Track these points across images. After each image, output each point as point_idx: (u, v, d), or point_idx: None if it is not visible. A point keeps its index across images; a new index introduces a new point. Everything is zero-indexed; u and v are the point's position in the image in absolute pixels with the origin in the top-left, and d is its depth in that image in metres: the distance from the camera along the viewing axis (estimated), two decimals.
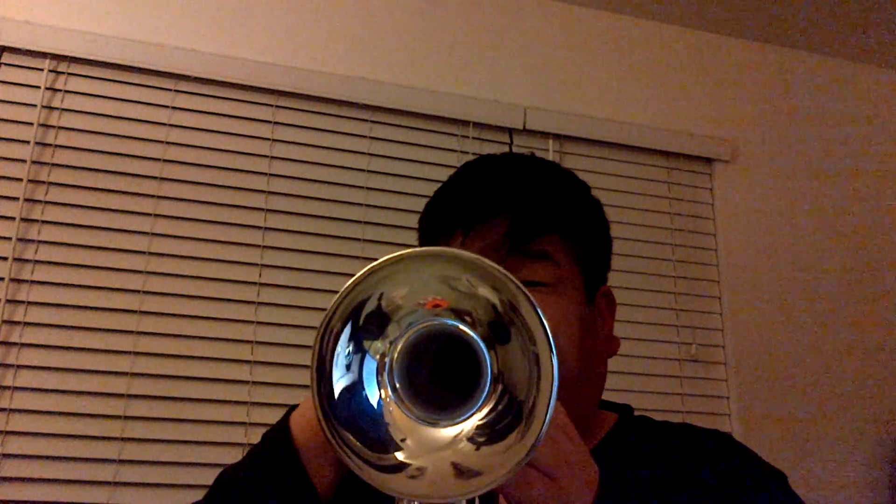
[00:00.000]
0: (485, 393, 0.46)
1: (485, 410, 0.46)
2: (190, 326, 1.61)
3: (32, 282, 1.54)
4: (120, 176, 1.64)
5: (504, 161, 0.79)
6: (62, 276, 1.56)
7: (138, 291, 1.59)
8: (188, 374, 1.58)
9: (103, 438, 1.51)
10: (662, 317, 1.94)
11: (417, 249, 0.47)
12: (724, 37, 2.22)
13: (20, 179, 1.57)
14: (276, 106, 1.78)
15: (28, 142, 1.59)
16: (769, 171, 2.14)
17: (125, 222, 1.62)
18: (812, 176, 2.18)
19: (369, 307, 0.48)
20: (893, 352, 2.09)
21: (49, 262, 1.56)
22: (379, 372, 0.48)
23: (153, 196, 1.65)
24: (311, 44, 1.84)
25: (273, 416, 1.63)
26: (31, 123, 1.60)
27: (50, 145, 1.61)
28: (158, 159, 1.67)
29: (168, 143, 1.68)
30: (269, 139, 1.76)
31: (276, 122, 1.77)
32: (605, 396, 0.79)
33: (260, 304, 1.66)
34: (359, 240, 1.75)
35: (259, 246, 1.69)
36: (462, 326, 0.49)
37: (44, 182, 1.59)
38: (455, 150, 1.88)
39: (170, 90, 1.71)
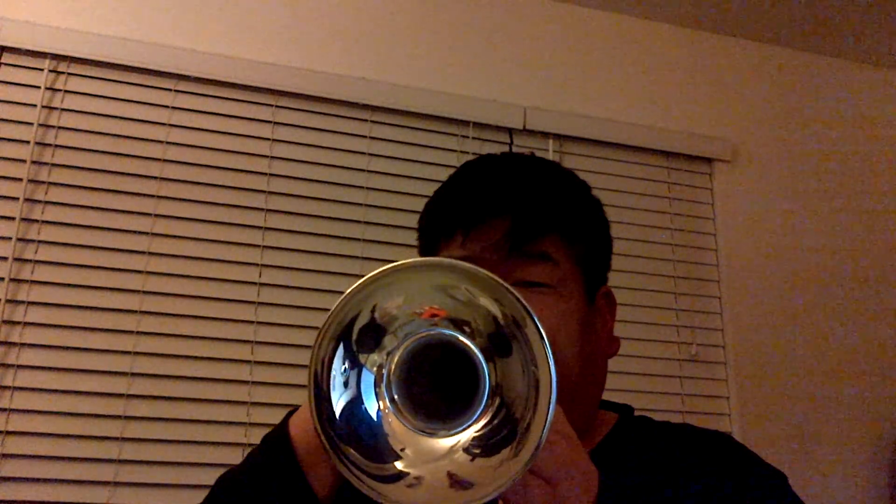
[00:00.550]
0: (482, 405, 0.46)
1: (482, 422, 0.46)
2: (190, 326, 1.61)
3: (32, 282, 1.54)
4: (120, 176, 1.64)
5: (504, 161, 0.78)
6: (62, 276, 1.56)
7: (138, 291, 1.59)
8: (188, 374, 1.58)
9: (103, 438, 1.51)
10: (662, 317, 1.94)
11: (413, 260, 0.46)
12: (724, 37, 2.22)
13: (20, 179, 1.57)
14: (276, 106, 1.78)
15: (28, 142, 1.59)
16: (769, 171, 2.14)
17: (125, 222, 1.62)
18: (812, 176, 2.18)
19: (362, 321, 0.47)
20: (893, 352, 2.09)
21: (49, 262, 1.56)
22: (377, 384, 0.48)
23: (153, 196, 1.65)
24: (311, 44, 1.84)
25: (273, 416, 1.63)
26: (31, 123, 1.60)
27: (50, 145, 1.61)
28: (158, 159, 1.67)
29: (168, 143, 1.68)
30: (269, 139, 1.76)
31: (276, 122, 1.77)
32: (606, 396, 0.79)
33: (260, 304, 1.66)
34: (359, 240, 1.76)
35: (259, 246, 1.69)
36: (460, 337, 0.48)
37: (44, 182, 1.59)
38: (455, 150, 1.88)
39: (170, 90, 1.71)
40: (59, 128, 1.63)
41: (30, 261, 1.55)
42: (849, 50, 2.27)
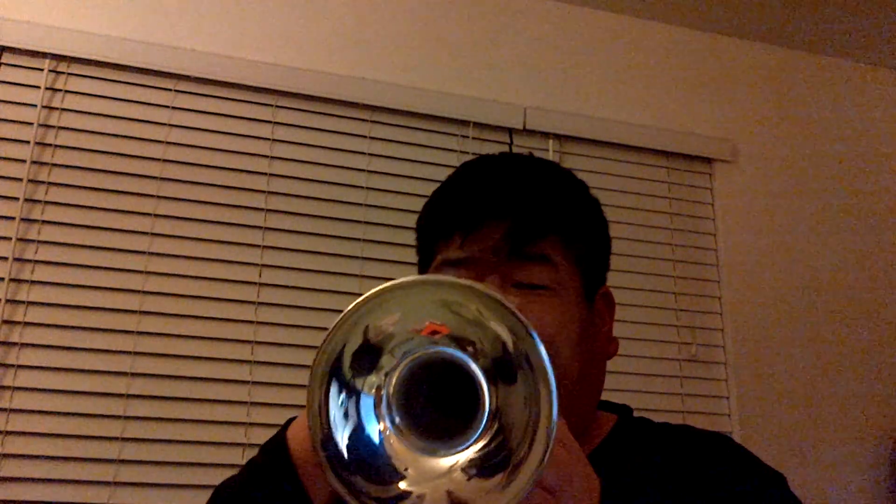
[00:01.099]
0: (481, 427, 0.46)
1: (480, 444, 0.46)
2: (190, 326, 1.61)
3: (32, 282, 1.54)
4: (120, 176, 1.64)
5: (502, 162, 0.78)
6: (62, 276, 1.56)
7: (138, 291, 1.59)
8: (188, 374, 1.58)
9: (103, 438, 1.51)
10: (662, 317, 1.94)
11: (405, 280, 0.45)
12: (724, 37, 2.22)
13: (20, 179, 1.57)
14: (276, 106, 1.78)
15: (28, 142, 1.59)
16: (769, 171, 2.14)
17: (125, 222, 1.62)
18: (812, 176, 2.18)
19: (353, 346, 0.46)
20: (893, 352, 2.09)
21: (49, 262, 1.56)
22: (376, 405, 0.47)
23: (153, 196, 1.65)
24: (311, 44, 1.84)
25: (273, 417, 1.63)
26: (31, 123, 1.60)
27: (50, 145, 1.61)
28: (158, 159, 1.67)
29: (168, 143, 1.68)
30: (269, 139, 1.76)
31: (276, 122, 1.77)
32: (606, 397, 0.79)
33: (260, 304, 1.66)
34: (359, 240, 1.76)
35: (259, 246, 1.69)
36: (462, 356, 0.47)
37: (44, 182, 1.59)
38: (455, 150, 1.88)
39: (170, 90, 1.71)
40: (59, 128, 1.63)
41: (30, 261, 1.55)
42: (849, 50, 2.27)
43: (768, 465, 0.68)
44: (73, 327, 1.55)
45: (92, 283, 1.57)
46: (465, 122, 1.90)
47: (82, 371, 1.53)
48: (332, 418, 0.45)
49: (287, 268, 1.70)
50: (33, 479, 1.46)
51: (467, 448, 0.46)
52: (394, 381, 0.47)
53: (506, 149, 1.91)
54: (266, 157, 1.75)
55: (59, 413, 1.50)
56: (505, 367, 0.45)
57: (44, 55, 1.63)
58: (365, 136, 1.83)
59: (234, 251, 1.68)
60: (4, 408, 1.47)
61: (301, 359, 1.65)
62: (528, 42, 2.03)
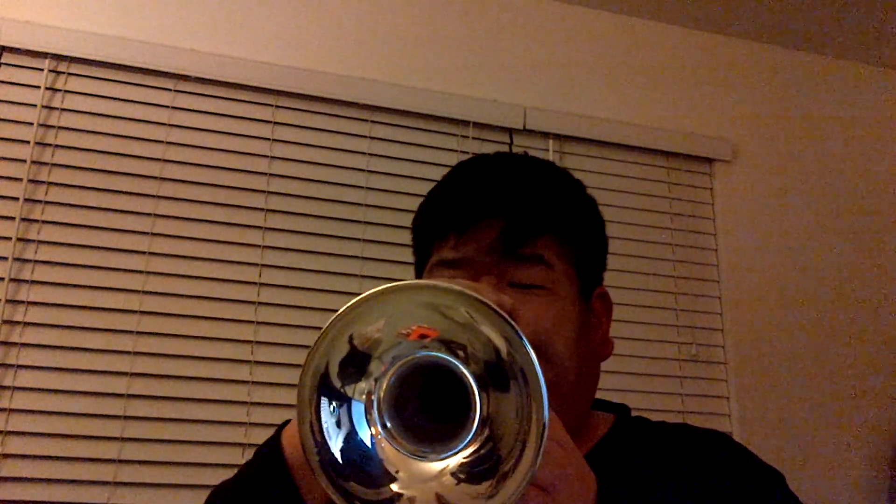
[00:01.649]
0: (471, 433, 0.45)
1: (470, 449, 0.45)
2: (190, 326, 1.61)
3: (32, 282, 1.54)
4: (120, 176, 1.64)
5: (497, 162, 0.78)
6: (62, 276, 1.56)
7: (138, 291, 1.59)
8: (188, 374, 1.58)
9: (103, 438, 1.51)
10: (662, 317, 1.94)
11: (394, 285, 0.44)
12: (724, 37, 2.22)
13: (20, 179, 1.57)
14: (276, 106, 1.78)
15: (28, 142, 1.59)
16: (769, 171, 2.14)
17: (125, 222, 1.62)
18: (812, 176, 2.18)
19: (339, 356, 0.46)
20: (893, 352, 2.09)
21: (49, 262, 1.56)
22: (367, 411, 0.47)
23: (153, 196, 1.65)
24: (311, 44, 1.84)
25: (273, 417, 1.63)
26: (31, 123, 1.60)
27: (50, 145, 1.61)
28: (158, 159, 1.67)
29: (168, 143, 1.68)
30: (269, 139, 1.76)
31: (276, 122, 1.77)
32: (606, 397, 0.79)
33: (260, 304, 1.66)
34: (359, 240, 1.76)
35: (259, 246, 1.69)
36: (453, 360, 0.46)
37: (44, 182, 1.59)
38: (455, 150, 1.88)
39: (170, 90, 1.71)
40: (59, 128, 1.63)
41: (30, 261, 1.55)
42: (849, 50, 2.27)
43: (767, 464, 0.68)
44: (73, 327, 1.55)
45: (92, 283, 1.57)
46: (465, 122, 1.90)
47: (82, 371, 1.53)
48: (325, 429, 0.46)
49: (287, 268, 1.70)
50: (33, 479, 1.46)
51: (457, 453, 0.46)
52: (384, 386, 0.47)
53: (506, 149, 1.91)
54: (266, 157, 1.75)
55: (59, 413, 1.50)
56: (498, 375, 0.45)
57: (44, 55, 1.63)
58: (365, 136, 1.83)
59: (234, 251, 1.68)
60: (4, 408, 1.47)
61: (301, 359, 1.64)
62: (528, 42, 2.03)
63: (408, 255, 0.81)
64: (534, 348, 0.64)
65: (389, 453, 0.47)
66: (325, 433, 0.46)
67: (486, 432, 0.45)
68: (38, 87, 1.62)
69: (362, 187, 1.79)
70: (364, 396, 0.47)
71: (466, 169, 0.76)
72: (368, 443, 0.47)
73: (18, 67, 1.63)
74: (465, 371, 0.46)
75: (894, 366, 2.08)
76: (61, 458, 1.48)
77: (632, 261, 1.95)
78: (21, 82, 1.62)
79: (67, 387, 1.51)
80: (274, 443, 0.59)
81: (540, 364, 0.57)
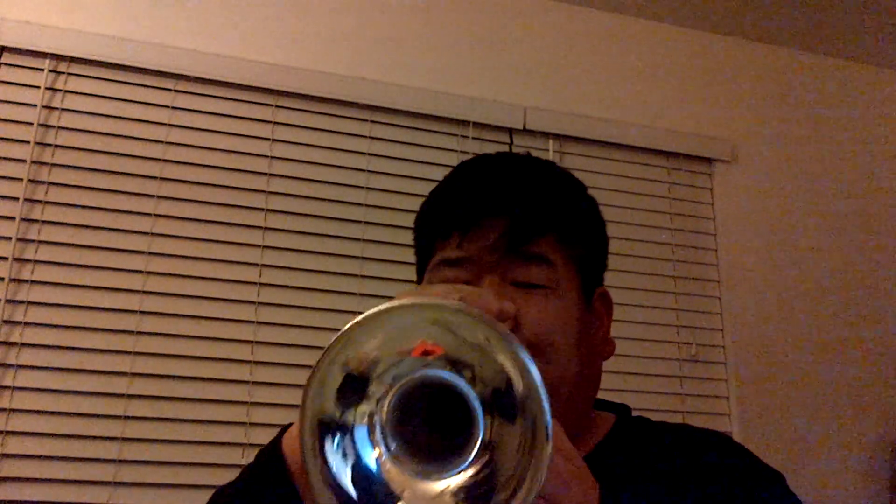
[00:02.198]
0: (473, 455, 0.45)
1: (471, 471, 0.45)
2: (190, 326, 1.61)
3: (32, 282, 1.54)
4: (120, 176, 1.64)
5: (499, 161, 0.78)
6: (62, 276, 1.56)
7: (138, 291, 1.59)
8: (188, 374, 1.58)
9: (103, 438, 1.51)
10: (662, 317, 1.94)
11: (397, 304, 0.43)
12: (724, 37, 2.22)
13: (20, 179, 1.57)
14: (276, 106, 1.78)
15: (28, 142, 1.59)
16: (769, 171, 2.14)
17: (125, 222, 1.62)
18: (812, 176, 2.18)
19: (334, 385, 0.45)
20: (893, 352, 2.09)
21: (49, 262, 1.56)
22: (370, 433, 0.46)
23: (153, 196, 1.65)
24: (311, 44, 1.84)
25: (273, 417, 1.63)
26: (31, 123, 1.60)
27: (50, 145, 1.61)
28: (158, 159, 1.67)
29: (168, 143, 1.68)
30: (269, 139, 1.76)
31: (276, 122, 1.77)
32: (606, 396, 0.79)
33: (260, 304, 1.66)
34: (359, 240, 1.76)
35: (259, 246, 1.69)
36: (457, 380, 0.45)
37: (44, 182, 1.59)
38: (455, 150, 1.88)
39: (170, 90, 1.71)
40: (59, 128, 1.63)
41: (30, 261, 1.55)
42: (849, 50, 2.27)
43: (767, 464, 0.68)
44: (73, 327, 1.55)
45: (92, 283, 1.57)
46: (465, 122, 1.90)
47: (82, 371, 1.53)
48: (335, 472, 0.45)
49: (287, 268, 1.70)
50: (33, 479, 1.46)
51: (458, 474, 0.45)
52: (385, 407, 0.46)
53: (506, 149, 1.91)
54: (266, 157, 1.75)
55: (59, 413, 1.50)
56: (505, 405, 0.44)
57: (44, 55, 1.63)
58: (365, 136, 1.83)
59: (234, 251, 1.68)
60: (4, 408, 1.47)
61: (301, 359, 1.65)
62: (528, 42, 2.03)
63: (408, 255, 0.81)
64: (535, 348, 0.64)
65: (394, 474, 0.46)
66: (335, 471, 0.45)
67: (487, 457, 0.45)
68: (38, 87, 1.62)
69: (362, 187, 1.79)
70: (366, 419, 0.46)
71: (469, 168, 0.76)
72: (373, 465, 0.46)
73: (18, 67, 1.63)
74: (469, 392, 0.45)
75: (894, 366, 2.08)
76: (61, 458, 1.48)
77: (632, 261, 1.95)
78: (21, 82, 1.62)
79: (67, 387, 1.51)
80: (274, 447, 0.59)
81: (542, 364, 0.57)
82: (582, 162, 1.98)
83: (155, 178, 1.66)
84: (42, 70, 1.63)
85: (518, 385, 0.43)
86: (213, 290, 1.64)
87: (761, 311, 2.01)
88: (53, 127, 1.62)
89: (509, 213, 0.68)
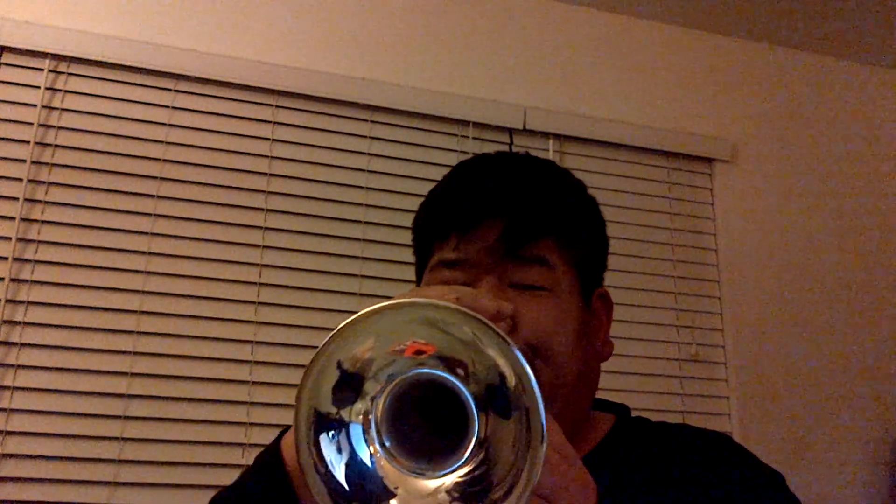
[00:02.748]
0: (468, 452, 0.45)
1: (466, 469, 0.45)
2: (190, 326, 1.61)
3: (32, 282, 1.54)
4: (120, 176, 1.64)
5: (499, 162, 0.78)
6: (62, 276, 1.56)
7: (138, 291, 1.59)
8: (188, 374, 1.58)
9: (103, 438, 1.51)
10: (662, 317, 1.94)
11: (386, 304, 0.43)
12: (724, 37, 2.22)
13: (20, 179, 1.57)
14: (276, 106, 1.78)
15: (28, 142, 1.59)
16: (769, 171, 2.14)
17: (125, 222, 1.62)
18: (812, 176, 2.18)
19: (329, 383, 0.45)
20: (893, 352, 2.09)
21: (49, 262, 1.56)
22: (365, 431, 0.47)
23: (153, 196, 1.65)
24: (311, 44, 1.84)
25: (273, 417, 1.63)
26: (31, 123, 1.60)
27: (50, 145, 1.61)
28: (158, 159, 1.67)
29: (168, 143, 1.68)
30: (269, 139, 1.76)
31: (276, 122, 1.77)
32: (606, 396, 0.79)
33: (260, 304, 1.66)
34: (359, 240, 1.76)
35: (259, 246, 1.69)
36: (451, 379, 0.45)
37: (44, 182, 1.59)
38: (455, 150, 1.88)
39: (170, 90, 1.71)
40: (59, 128, 1.63)
41: (30, 261, 1.55)
42: (849, 50, 2.27)
43: (767, 465, 0.68)
44: (73, 327, 1.55)
45: (92, 283, 1.57)
46: (465, 122, 1.90)
47: (82, 371, 1.53)
48: (328, 461, 0.45)
49: (287, 268, 1.70)
50: (33, 479, 1.46)
51: (453, 472, 0.45)
52: (380, 405, 0.47)
53: (506, 149, 1.91)
54: (266, 157, 1.75)
55: (59, 413, 1.50)
56: (499, 401, 0.44)
57: (44, 55, 1.63)
58: (365, 136, 1.83)
59: (234, 251, 1.68)
60: (4, 408, 1.47)
61: (301, 359, 1.65)
62: (528, 42, 2.03)
63: (408, 255, 0.81)
64: (534, 349, 0.64)
65: (388, 471, 0.46)
66: (329, 465, 0.45)
67: (482, 454, 0.45)
68: (38, 87, 1.62)
69: (362, 187, 1.79)
70: (361, 417, 0.47)
71: (467, 169, 0.76)
72: (368, 462, 0.47)
73: (18, 67, 1.63)
74: (463, 390, 0.45)
75: (894, 366, 2.08)
76: (61, 458, 1.48)
77: (632, 261, 1.95)
78: (21, 82, 1.62)
79: (67, 387, 1.51)
80: (273, 451, 0.58)
81: (541, 365, 0.57)
82: (582, 162, 1.98)
83: (155, 178, 1.66)
84: (42, 70, 1.63)
85: (511, 380, 0.43)
86: (212, 290, 1.64)
87: (761, 311, 2.01)
88: (53, 127, 1.62)
89: (508, 214, 0.68)
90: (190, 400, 1.57)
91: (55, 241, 1.58)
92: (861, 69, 2.33)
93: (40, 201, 1.58)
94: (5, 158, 1.58)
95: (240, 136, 1.74)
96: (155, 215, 1.64)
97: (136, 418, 1.53)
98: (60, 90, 1.64)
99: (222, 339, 1.62)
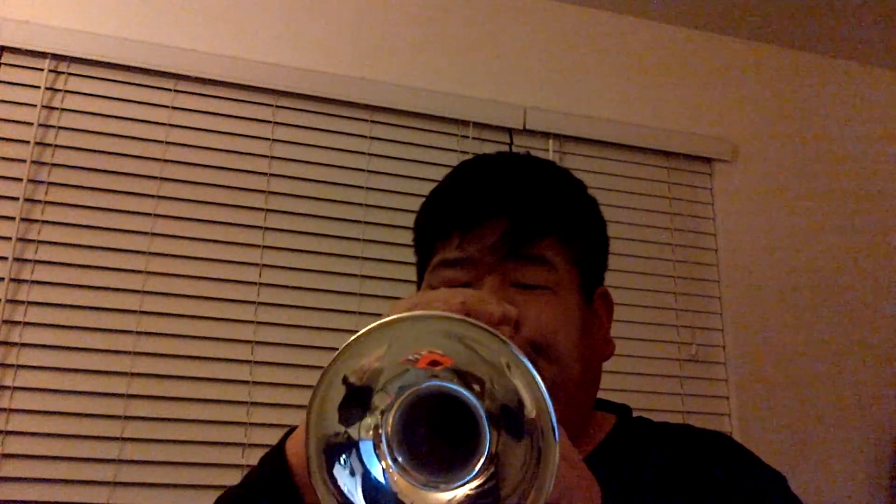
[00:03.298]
0: (479, 467, 0.45)
1: (475, 483, 0.45)
2: (190, 326, 1.61)
3: (32, 282, 1.54)
4: (120, 176, 1.64)
5: (500, 162, 0.78)
6: (62, 276, 1.56)
7: (138, 291, 1.59)
8: (188, 374, 1.58)
9: (103, 438, 1.51)
10: (662, 317, 1.94)
11: (414, 315, 0.43)
12: (724, 37, 2.22)
13: (20, 179, 1.57)
14: (276, 106, 1.78)
15: (28, 142, 1.59)
16: (769, 171, 2.14)
17: (125, 222, 1.62)
18: (812, 176, 2.18)
19: (336, 400, 0.45)
20: (893, 352, 2.09)
21: (49, 262, 1.56)
22: (376, 446, 0.46)
23: (153, 196, 1.65)
24: (311, 44, 1.84)
25: (273, 416, 1.63)
26: (31, 123, 1.60)
27: (50, 145, 1.61)
28: (158, 159, 1.67)
29: (168, 143, 1.68)
30: (269, 139, 1.76)
31: (276, 122, 1.77)
32: (605, 396, 0.78)
33: (260, 304, 1.66)
34: (359, 240, 1.76)
35: (259, 246, 1.69)
36: (466, 393, 0.45)
37: (44, 182, 1.59)
38: (455, 150, 1.88)
39: (170, 90, 1.71)
40: (59, 128, 1.63)
41: (30, 261, 1.55)
42: (849, 50, 2.27)
43: (769, 466, 0.68)
44: (73, 327, 1.54)
45: (92, 283, 1.57)
46: (465, 122, 1.90)
47: (82, 371, 1.53)
48: (342, 488, 0.45)
49: (287, 268, 1.70)
50: (33, 479, 1.46)
51: (465, 485, 0.45)
52: (390, 419, 0.46)
53: (506, 149, 1.91)
54: (266, 157, 1.75)
55: (59, 413, 1.50)
56: (514, 424, 0.44)
57: (44, 55, 1.63)
58: (365, 136, 1.83)
59: (234, 251, 1.68)
60: (4, 408, 1.47)
61: (301, 359, 1.65)
62: (528, 42, 2.03)
63: (408, 255, 0.81)
64: (537, 348, 0.64)
65: (402, 486, 0.46)
66: (348, 494, 0.45)
67: (492, 469, 0.45)
68: (38, 87, 1.62)
69: (362, 187, 1.79)
70: (371, 432, 0.46)
71: (469, 169, 0.76)
72: (381, 478, 0.46)
73: (18, 67, 1.63)
74: (478, 405, 0.45)
75: (894, 366, 2.08)
76: (61, 458, 1.48)
77: (632, 261, 1.95)
78: (21, 82, 1.62)
79: (67, 387, 1.51)
80: (278, 452, 0.58)
81: (543, 364, 0.57)
82: (582, 162, 1.98)
83: (155, 178, 1.66)
84: (42, 70, 1.63)
85: (530, 411, 0.43)
86: (213, 290, 1.64)
87: (761, 311, 2.01)
88: (53, 127, 1.62)
89: (510, 214, 0.68)
90: (190, 400, 1.57)
91: (55, 241, 1.58)
92: (861, 69, 2.33)
93: (40, 201, 1.58)
94: (5, 158, 1.58)
95: (240, 136, 1.74)
96: (155, 215, 1.64)
97: (136, 418, 1.53)
98: (60, 90, 1.64)
99: (222, 339, 1.62)
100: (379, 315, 0.45)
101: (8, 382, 1.49)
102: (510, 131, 1.94)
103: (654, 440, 0.72)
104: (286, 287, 1.69)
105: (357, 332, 0.43)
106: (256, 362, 1.63)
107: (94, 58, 1.66)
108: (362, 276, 1.74)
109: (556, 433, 0.41)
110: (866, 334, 2.08)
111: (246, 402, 1.60)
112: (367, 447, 0.46)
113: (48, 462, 1.47)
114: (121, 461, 1.50)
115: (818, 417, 1.97)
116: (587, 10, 2.11)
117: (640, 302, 1.92)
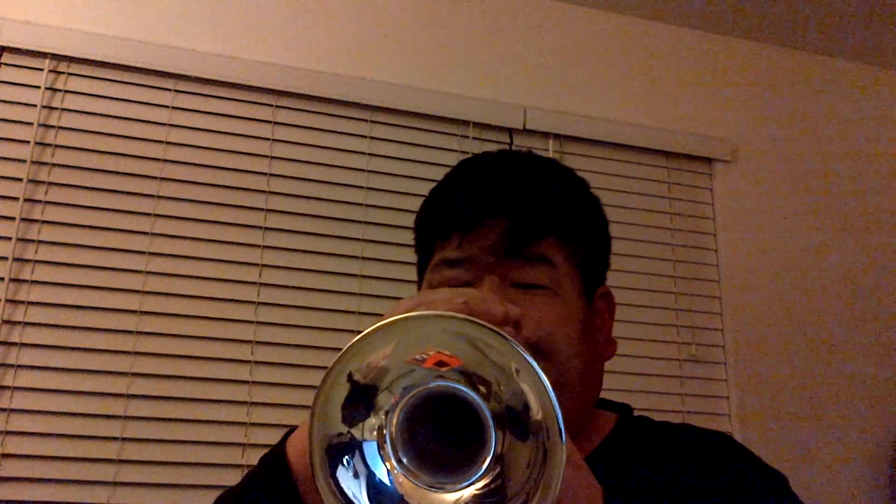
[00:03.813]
0: (484, 467, 0.45)
1: (481, 483, 0.45)
2: (190, 326, 1.61)
3: (32, 282, 1.54)
4: (120, 176, 1.64)
5: (500, 160, 0.77)
6: (62, 276, 1.56)
7: (138, 291, 1.59)
8: (188, 374, 1.58)
9: (103, 438, 1.51)
10: (662, 317, 1.94)
11: (421, 314, 0.43)
12: (724, 37, 2.22)
13: (20, 179, 1.57)
14: (276, 106, 1.78)
15: (28, 142, 1.59)
16: (769, 171, 2.14)
17: (125, 222, 1.62)
18: (812, 176, 2.18)
19: (339, 399, 0.44)
20: (893, 352, 2.09)
21: (49, 262, 1.56)
22: (380, 447, 0.46)
23: (153, 196, 1.65)
24: (311, 44, 1.84)
25: (273, 416, 1.63)
26: (31, 123, 1.60)
27: (50, 145, 1.61)
28: (158, 159, 1.67)
29: (168, 143, 1.68)
30: (269, 139, 1.76)
31: (276, 122, 1.77)
32: (606, 396, 0.78)
33: (260, 304, 1.66)
34: (359, 240, 1.76)
35: (259, 246, 1.69)
36: (472, 394, 0.44)
37: (44, 182, 1.59)
38: (455, 150, 1.88)
39: (170, 90, 1.71)
40: (59, 128, 1.63)
41: (30, 261, 1.55)
42: (849, 50, 2.27)
43: (770, 466, 0.68)
44: (73, 327, 1.54)
45: (92, 283, 1.57)
46: (465, 122, 1.90)
47: (82, 371, 1.53)
48: (346, 490, 0.44)
49: (287, 268, 1.70)
50: (33, 479, 1.46)
51: (471, 485, 0.45)
52: (394, 420, 0.45)
53: (506, 149, 1.91)
54: (266, 157, 1.75)
55: (59, 413, 1.50)
56: (519, 425, 0.44)
57: (44, 55, 1.63)
58: (365, 136, 1.83)
59: (234, 251, 1.68)
60: (4, 408, 1.47)
61: (301, 359, 1.65)
62: (528, 42, 2.03)
63: (408, 255, 0.81)
64: (537, 348, 0.64)
65: (407, 487, 0.46)
66: (353, 498, 0.44)
67: (498, 469, 0.44)
68: (38, 87, 1.62)
69: (362, 187, 1.79)
70: (375, 433, 0.46)
71: (469, 168, 0.76)
72: (386, 480, 0.46)
73: (18, 67, 1.63)
74: (483, 407, 0.44)
75: (894, 366, 2.08)
76: (61, 458, 1.48)
77: (632, 261, 1.95)
78: (21, 82, 1.62)
79: (67, 387, 1.51)
80: (278, 453, 0.58)
81: (544, 364, 0.57)
82: (582, 162, 1.98)
83: (155, 178, 1.66)
84: (42, 70, 1.63)
85: (536, 413, 0.43)
86: (213, 290, 1.64)
87: (761, 311, 2.01)
88: (53, 127, 1.62)
89: (510, 213, 0.67)
90: (190, 400, 1.57)
91: (55, 241, 1.58)
92: (861, 69, 2.33)
93: (40, 201, 1.58)
94: (5, 158, 1.58)
95: (240, 136, 1.74)
96: (155, 215, 1.64)
97: (136, 418, 1.53)
98: (60, 90, 1.64)
99: (222, 339, 1.62)
100: (379, 315, 0.45)
101: (8, 382, 1.49)
102: (510, 131, 1.94)
103: (655, 439, 0.71)
104: (286, 287, 1.69)
105: (362, 330, 0.43)
106: (256, 362, 1.63)
107: (94, 58, 1.66)
108: (362, 276, 1.74)
109: (563, 434, 0.41)
110: (866, 334, 2.08)
111: (246, 402, 1.60)
112: (370, 448, 0.46)
113: (48, 462, 1.47)
114: (121, 461, 1.50)
115: (818, 417, 1.97)
116: (587, 10, 2.11)
117: (639, 302, 1.92)
